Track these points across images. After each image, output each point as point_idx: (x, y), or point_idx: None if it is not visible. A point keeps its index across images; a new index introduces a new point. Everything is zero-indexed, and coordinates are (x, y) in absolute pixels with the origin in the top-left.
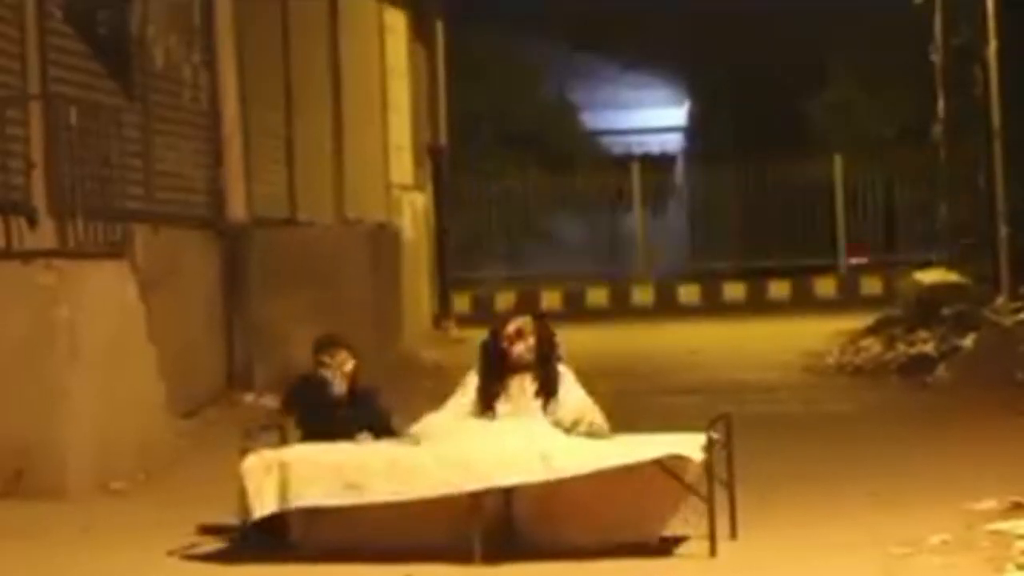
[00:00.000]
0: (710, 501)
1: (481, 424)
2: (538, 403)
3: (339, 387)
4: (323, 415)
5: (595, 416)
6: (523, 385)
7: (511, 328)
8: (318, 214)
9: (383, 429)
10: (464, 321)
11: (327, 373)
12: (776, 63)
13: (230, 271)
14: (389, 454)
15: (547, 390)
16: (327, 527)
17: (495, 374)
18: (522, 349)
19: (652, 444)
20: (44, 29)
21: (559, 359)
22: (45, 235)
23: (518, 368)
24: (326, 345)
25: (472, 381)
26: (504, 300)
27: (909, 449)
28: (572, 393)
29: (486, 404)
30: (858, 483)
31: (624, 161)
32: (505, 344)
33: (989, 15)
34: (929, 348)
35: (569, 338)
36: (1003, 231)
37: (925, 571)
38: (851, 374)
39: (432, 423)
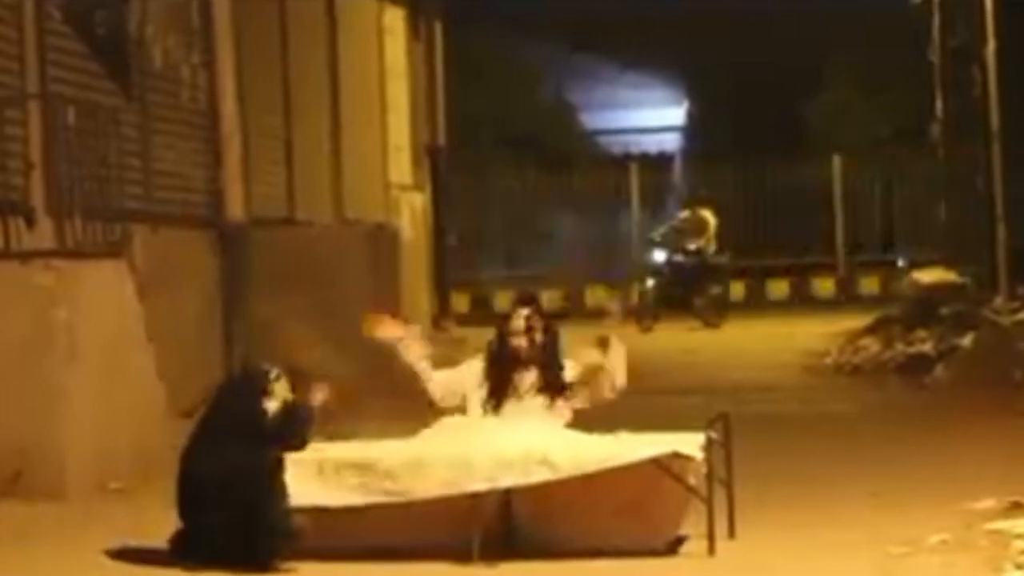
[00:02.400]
0: (709, 501)
1: (483, 424)
2: (542, 401)
3: None
4: None
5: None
6: (528, 382)
7: (520, 323)
8: (317, 214)
9: None
10: (463, 321)
11: None
12: (775, 63)
13: (229, 271)
14: (390, 454)
15: (553, 389)
16: (324, 526)
17: (504, 373)
18: (527, 346)
19: (651, 444)
20: (43, 29)
21: (558, 356)
22: (43, 235)
23: (526, 364)
24: None
25: (473, 371)
26: (503, 300)
27: (908, 449)
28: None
29: (496, 402)
30: (857, 483)
31: (622, 161)
32: (514, 341)
33: (987, 15)
34: (928, 348)
35: (566, 338)
36: (1001, 231)
37: (924, 571)
38: (850, 374)
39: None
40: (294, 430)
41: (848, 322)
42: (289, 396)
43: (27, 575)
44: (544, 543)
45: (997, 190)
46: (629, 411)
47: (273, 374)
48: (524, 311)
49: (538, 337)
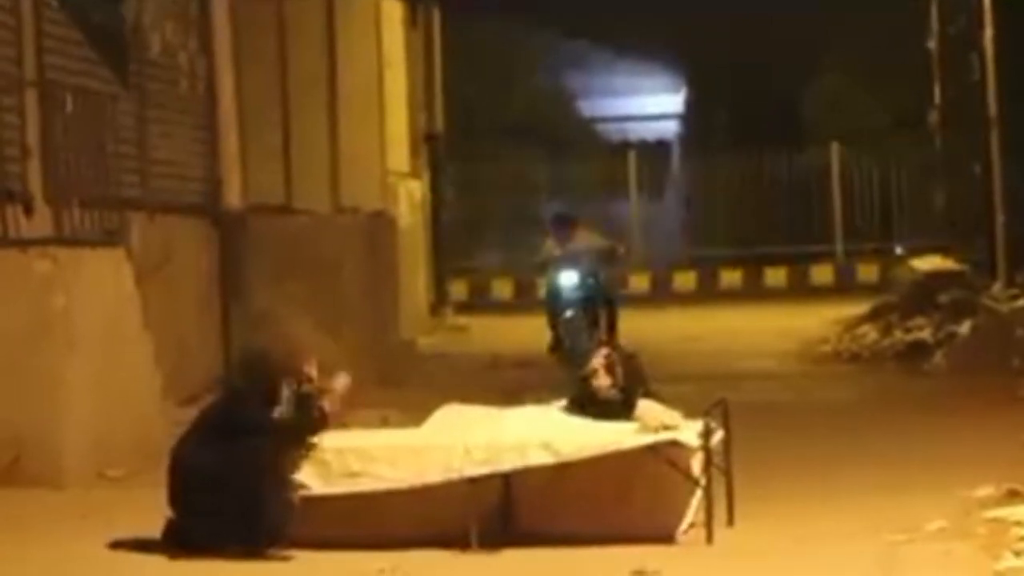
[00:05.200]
0: (707, 488)
1: (485, 412)
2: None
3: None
4: None
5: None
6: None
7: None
8: (314, 202)
9: None
10: (461, 308)
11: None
12: (773, 50)
13: (226, 259)
14: (389, 441)
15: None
16: (323, 513)
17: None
18: (608, 384)
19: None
20: (40, 16)
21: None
22: (41, 223)
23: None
24: None
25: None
26: (500, 287)
27: (906, 436)
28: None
29: None
30: (855, 470)
31: (621, 148)
32: (595, 382)
33: (985, 2)
34: (926, 335)
35: None
36: (999, 218)
37: (922, 558)
38: (848, 361)
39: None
40: (302, 427)
41: (846, 309)
42: (307, 387)
43: (23, 563)
44: (543, 530)
45: (995, 177)
46: None
47: (295, 367)
48: (603, 351)
49: (619, 374)
